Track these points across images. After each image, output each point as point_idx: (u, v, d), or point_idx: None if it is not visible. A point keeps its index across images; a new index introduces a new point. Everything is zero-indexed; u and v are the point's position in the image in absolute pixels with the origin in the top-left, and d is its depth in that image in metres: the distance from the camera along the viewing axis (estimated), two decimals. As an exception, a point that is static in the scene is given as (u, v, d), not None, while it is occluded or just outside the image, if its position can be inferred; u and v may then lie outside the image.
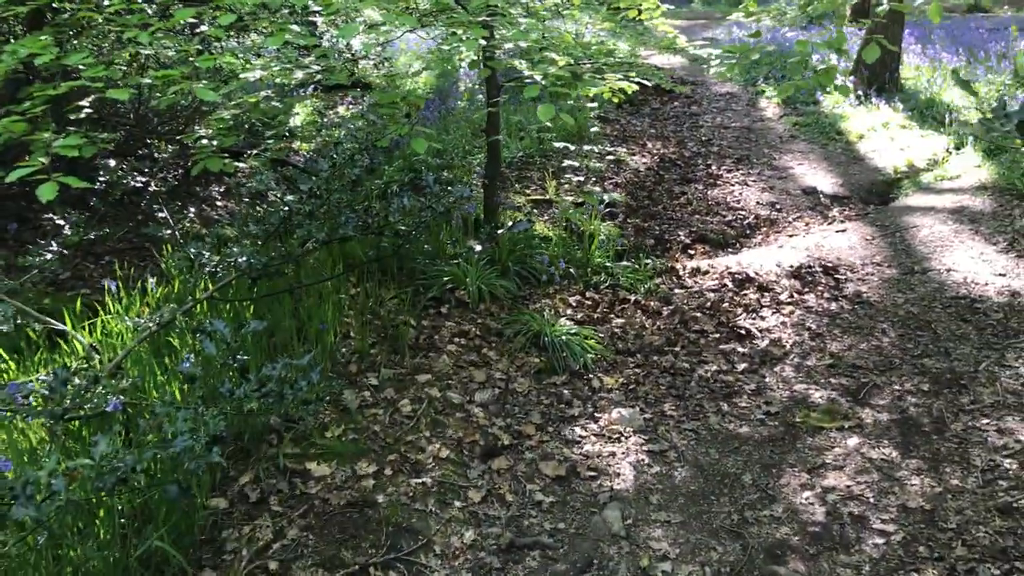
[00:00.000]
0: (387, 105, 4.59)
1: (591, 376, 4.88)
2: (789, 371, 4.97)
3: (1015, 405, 4.45)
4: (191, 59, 4.92)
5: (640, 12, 7.01)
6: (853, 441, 4.26)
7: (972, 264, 6.29)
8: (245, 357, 3.09)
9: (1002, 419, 4.33)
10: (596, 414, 4.53)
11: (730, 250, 7.67)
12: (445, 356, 4.78)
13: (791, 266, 6.43)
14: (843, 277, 6.23)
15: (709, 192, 8.81)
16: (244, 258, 3.72)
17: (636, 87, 5.86)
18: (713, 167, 9.50)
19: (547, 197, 7.98)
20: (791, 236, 7.68)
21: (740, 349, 5.25)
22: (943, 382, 4.74)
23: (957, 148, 9.19)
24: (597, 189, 7.97)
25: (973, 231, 6.92)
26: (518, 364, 4.86)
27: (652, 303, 5.85)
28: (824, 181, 9.08)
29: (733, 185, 9.01)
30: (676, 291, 6.12)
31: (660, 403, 4.66)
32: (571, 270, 6.01)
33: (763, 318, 5.64)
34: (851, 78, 11.73)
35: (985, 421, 4.33)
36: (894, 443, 4.22)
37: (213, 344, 3.03)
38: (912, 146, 9.60)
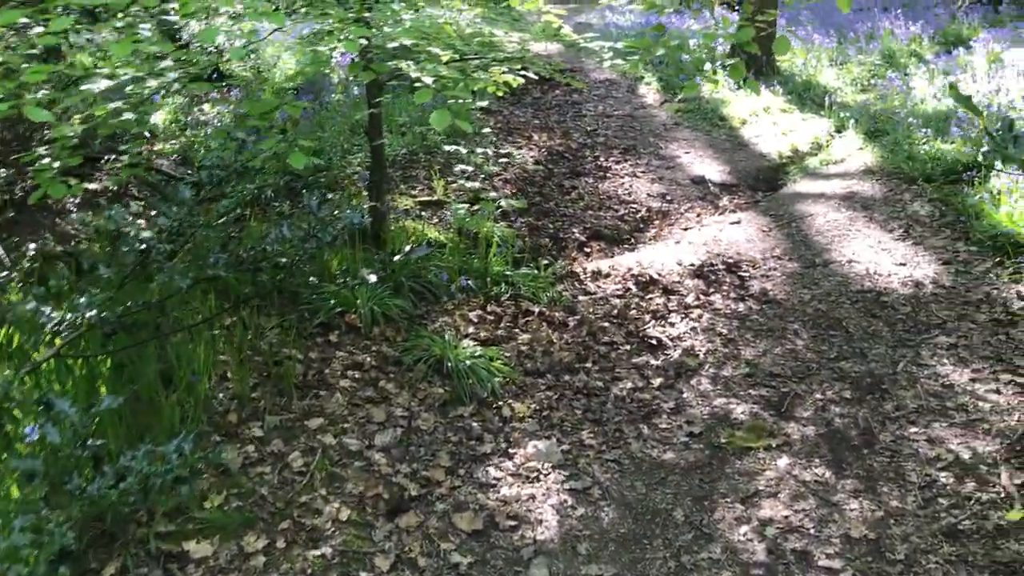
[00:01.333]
0: (260, 116, 4.00)
1: (501, 403, 4.42)
2: (706, 384, 4.65)
3: (939, 410, 4.24)
4: (23, 66, 4.21)
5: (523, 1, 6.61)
6: (783, 462, 3.95)
7: (872, 254, 6.13)
8: (99, 442, 2.52)
9: (929, 426, 4.11)
10: (510, 449, 4.08)
11: (626, 246, 7.36)
12: (338, 394, 4.24)
13: (692, 264, 6.14)
14: (746, 274, 5.97)
15: (600, 185, 8.48)
16: (94, 311, 3.10)
17: (521, 80, 5.47)
18: (601, 159, 9.17)
19: (436, 197, 7.48)
20: (686, 229, 7.42)
21: (653, 361, 4.89)
22: (864, 387, 4.50)
23: (839, 131, 9.14)
24: (493, 194, 7.48)
25: (868, 218, 6.79)
26: (420, 396, 4.36)
27: (557, 314, 5.44)
28: (711, 169, 8.87)
29: (623, 177, 8.70)
30: (580, 298, 5.73)
31: (577, 431, 4.26)
32: (469, 282, 5.54)
33: (672, 324, 5.31)
34: (729, 62, 11.60)
35: (913, 430, 4.09)
36: (825, 462, 3.93)
37: (56, 430, 2.45)
38: (795, 130, 9.50)
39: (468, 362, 4.56)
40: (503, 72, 5.52)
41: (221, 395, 4.06)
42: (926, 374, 4.57)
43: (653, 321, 5.34)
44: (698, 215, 7.96)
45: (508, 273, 5.77)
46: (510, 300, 5.55)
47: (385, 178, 5.93)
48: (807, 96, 10.49)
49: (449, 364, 4.53)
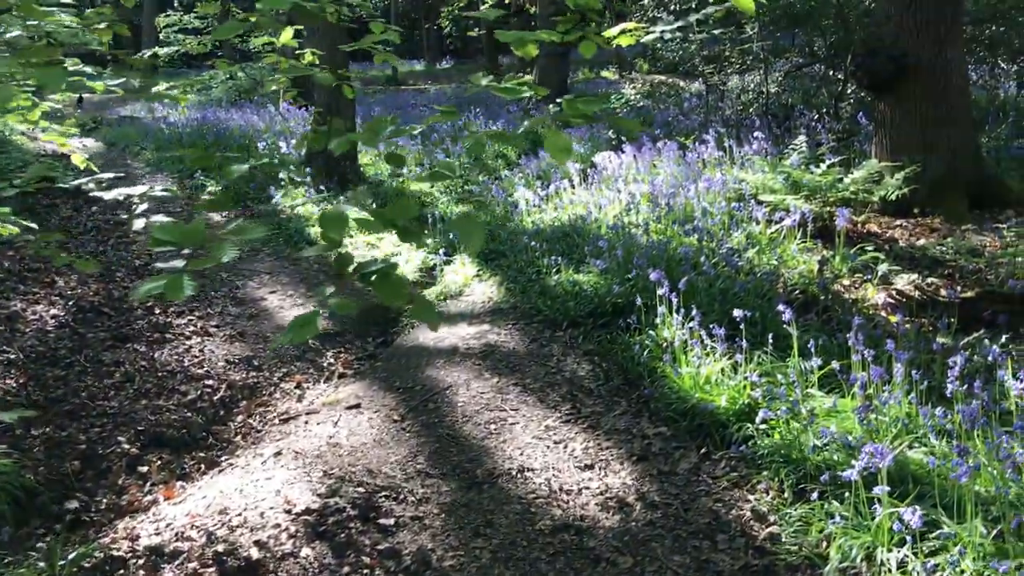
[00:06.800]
0: None
1: None
2: None
3: None
4: None
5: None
6: None
7: (545, 451, 4.32)
8: None
9: None
10: None
11: (201, 455, 4.88)
12: None
13: (308, 509, 3.83)
14: (390, 520, 3.80)
15: (157, 354, 5.82)
16: None
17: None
18: (158, 311, 6.48)
19: None
20: (286, 421, 5.09)
21: None
22: None
23: (447, 254, 7.45)
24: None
25: (520, 387, 5.02)
26: None
27: None
28: (306, 312, 6.65)
29: (190, 338, 6.13)
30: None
31: None
32: None
33: (294, 676, 2.95)
34: (307, 169, 9.51)
35: None
36: None
37: None
38: (398, 253, 7.65)
39: None
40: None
41: None
42: None
43: None
44: (299, 387, 5.69)
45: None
46: None
47: None
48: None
49: None
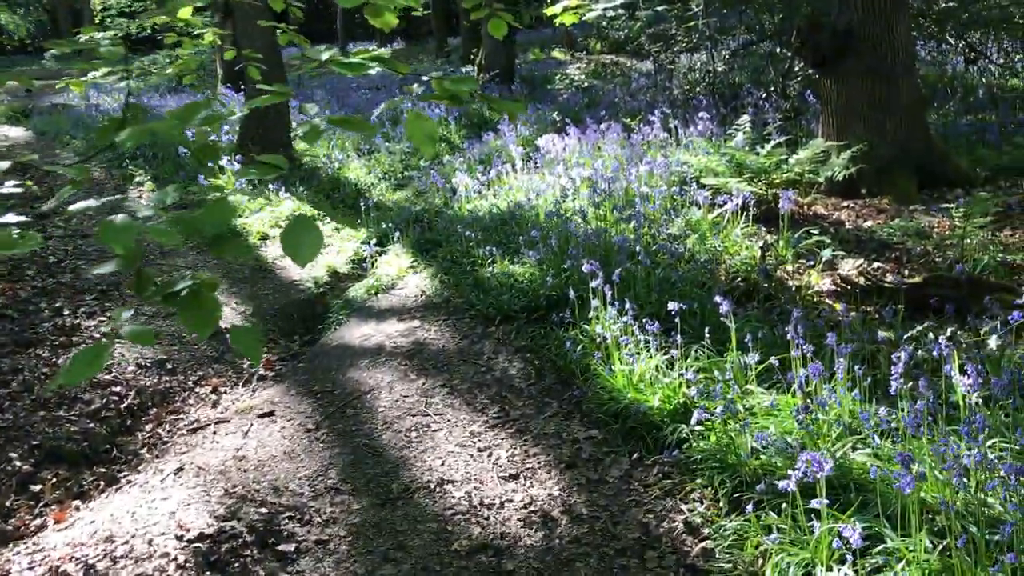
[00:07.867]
0: None
1: None
2: None
3: None
4: None
5: None
6: None
7: (467, 460, 3.99)
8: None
9: None
10: None
11: (101, 470, 4.48)
12: None
13: (202, 535, 3.46)
14: (290, 547, 3.43)
15: (62, 360, 5.38)
16: None
17: None
18: (66, 311, 6.03)
19: None
20: (194, 432, 4.70)
21: None
22: None
23: (382, 243, 7.06)
24: None
25: (448, 389, 4.67)
26: None
27: None
28: (229, 311, 6.24)
29: (99, 339, 5.69)
30: None
31: None
32: None
33: None
34: (238, 157, 9.03)
35: None
36: None
37: None
38: (330, 245, 7.25)
39: None
40: None
41: None
42: None
43: None
44: (214, 391, 5.30)
45: None
46: None
47: None
48: (337, 197, 8.33)
49: None
